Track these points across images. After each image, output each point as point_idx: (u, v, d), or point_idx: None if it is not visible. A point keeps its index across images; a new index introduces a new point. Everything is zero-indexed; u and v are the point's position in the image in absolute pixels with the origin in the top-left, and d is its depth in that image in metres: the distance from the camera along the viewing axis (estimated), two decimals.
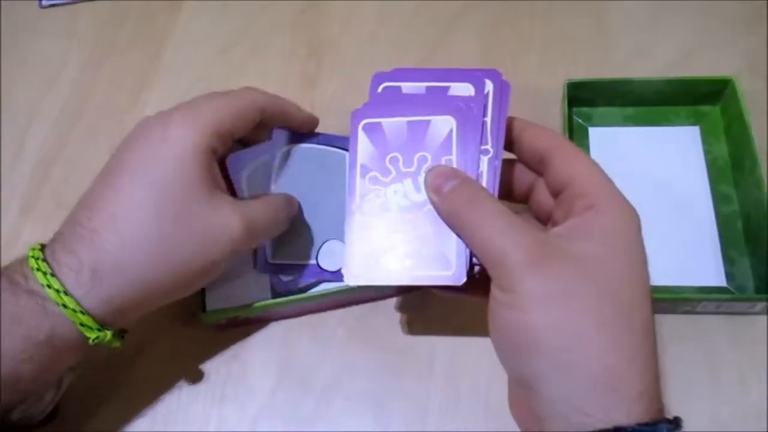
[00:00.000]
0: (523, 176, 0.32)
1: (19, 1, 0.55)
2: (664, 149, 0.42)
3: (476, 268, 0.30)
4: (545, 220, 0.31)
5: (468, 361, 0.37)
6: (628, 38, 0.47)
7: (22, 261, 0.31)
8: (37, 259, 0.30)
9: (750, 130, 0.38)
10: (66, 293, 0.29)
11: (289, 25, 0.51)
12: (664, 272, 0.38)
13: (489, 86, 0.31)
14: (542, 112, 0.44)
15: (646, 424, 0.24)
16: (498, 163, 0.30)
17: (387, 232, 0.30)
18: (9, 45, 0.53)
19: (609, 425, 0.24)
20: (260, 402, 0.37)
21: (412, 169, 0.31)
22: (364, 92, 0.46)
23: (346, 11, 0.51)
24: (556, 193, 0.30)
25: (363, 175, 0.31)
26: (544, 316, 0.25)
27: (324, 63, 0.49)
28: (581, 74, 0.43)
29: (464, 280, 0.29)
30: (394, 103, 0.31)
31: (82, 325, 0.30)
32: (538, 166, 0.31)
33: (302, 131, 0.36)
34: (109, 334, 0.30)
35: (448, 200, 0.29)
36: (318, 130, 0.45)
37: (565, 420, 0.24)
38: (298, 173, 0.36)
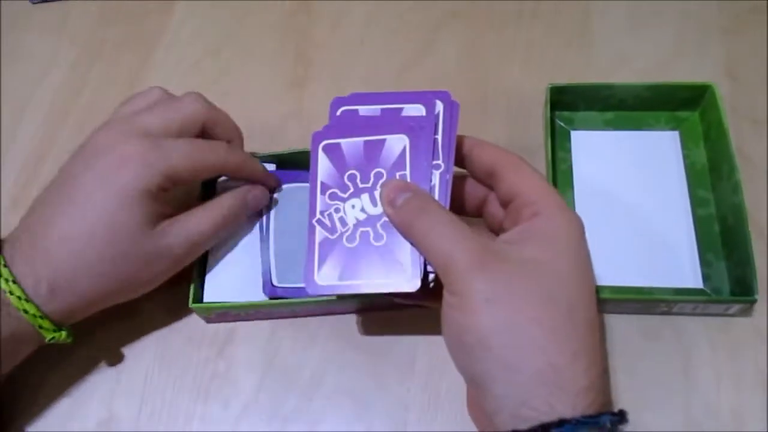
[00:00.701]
0: (474, 191, 0.34)
1: None
2: (644, 153, 0.42)
3: (431, 276, 0.31)
4: (498, 231, 0.33)
5: (448, 360, 0.37)
6: (609, 44, 0.47)
7: None
8: (1, 264, 0.32)
9: (728, 136, 0.39)
10: (27, 300, 0.32)
11: (278, 28, 0.51)
12: (641, 273, 0.38)
13: (439, 106, 0.33)
14: (525, 116, 0.45)
15: (590, 417, 0.25)
16: (449, 177, 0.32)
17: (346, 244, 0.32)
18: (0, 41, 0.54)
19: (554, 418, 0.25)
20: (244, 400, 0.38)
21: (369, 185, 0.33)
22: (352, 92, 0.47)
23: (335, 14, 0.51)
24: (505, 204, 0.32)
25: (323, 192, 0.33)
26: (490, 316, 0.26)
27: (312, 66, 0.49)
28: (564, 79, 0.43)
29: (419, 286, 0.31)
30: (352, 124, 0.34)
31: (40, 327, 0.33)
32: (488, 180, 0.33)
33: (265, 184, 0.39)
34: (63, 333, 0.34)
35: (401, 211, 0.31)
36: (305, 131, 0.46)
37: (511, 415, 0.26)
38: (297, 207, 0.39)
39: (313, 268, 0.32)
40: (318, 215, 0.33)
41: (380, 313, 0.39)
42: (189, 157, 0.35)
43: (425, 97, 0.33)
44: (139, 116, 0.36)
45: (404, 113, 0.34)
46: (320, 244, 0.33)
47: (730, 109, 0.43)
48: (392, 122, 0.33)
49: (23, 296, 0.32)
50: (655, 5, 0.49)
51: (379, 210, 0.32)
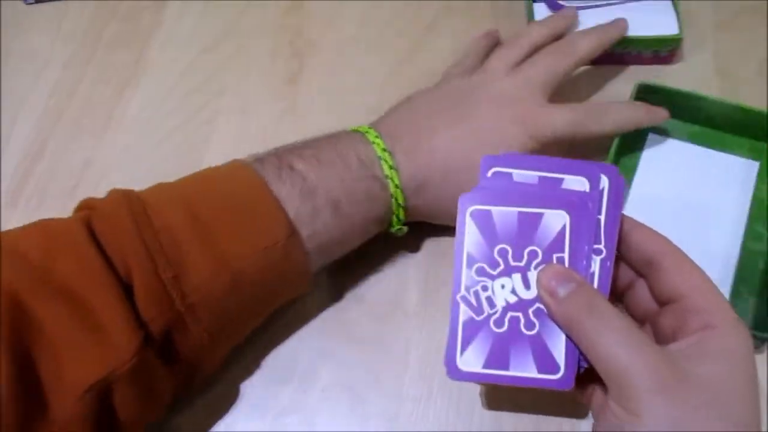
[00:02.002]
0: (622, 274, 0.31)
1: None
2: (715, 175, 0.41)
3: (581, 369, 0.29)
4: (641, 320, 0.31)
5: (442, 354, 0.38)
6: None
7: (356, 138, 0.37)
8: (384, 150, 0.36)
9: None
10: (399, 189, 0.36)
11: (272, 26, 0.52)
12: None
13: (604, 182, 0.30)
14: None
15: None
16: (610, 265, 0.29)
17: (493, 328, 0.30)
18: None
19: None
20: (237, 393, 0.38)
21: (522, 264, 0.30)
22: (345, 93, 0.48)
23: (328, 13, 0.52)
24: (663, 301, 0.29)
25: (469, 265, 0.30)
26: None
27: (306, 63, 0.50)
28: None
29: (572, 386, 0.29)
30: (505, 191, 0.30)
31: (396, 217, 0.37)
32: (643, 269, 0.30)
33: None
34: (405, 229, 0.38)
35: (565, 305, 0.28)
36: (300, 129, 0.46)
37: None
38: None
39: (455, 351, 0.30)
40: (463, 291, 0.30)
41: (375, 307, 0.40)
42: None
43: (589, 169, 0.30)
44: (526, 71, 0.39)
45: (564, 185, 0.30)
46: (464, 323, 0.30)
47: None
48: (551, 195, 0.30)
49: (399, 185, 0.36)
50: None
51: (531, 294, 0.29)
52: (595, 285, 0.29)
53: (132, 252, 0.31)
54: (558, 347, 0.29)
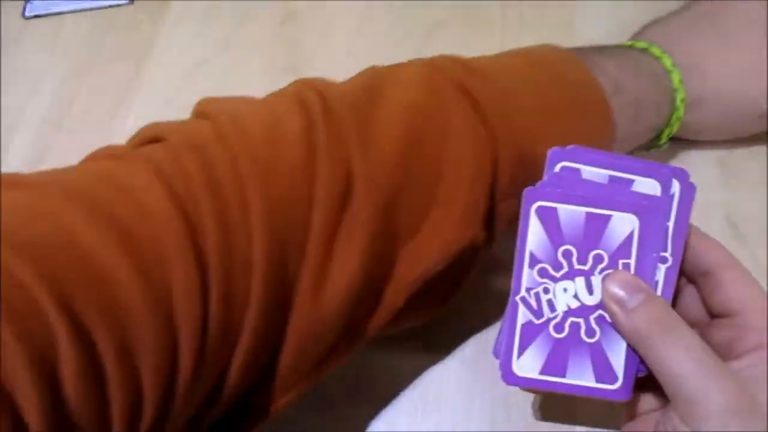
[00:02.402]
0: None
1: (3, 11, 0.56)
2: None
3: (638, 377, 0.28)
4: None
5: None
6: None
7: (642, 53, 0.39)
8: (672, 65, 0.38)
9: None
10: (683, 101, 0.38)
11: (268, 39, 0.52)
12: None
13: (675, 186, 0.28)
14: None
15: None
16: (675, 275, 0.28)
17: (552, 333, 0.28)
18: None
19: None
20: None
21: (586, 268, 0.28)
22: None
23: (323, 26, 0.52)
24: (716, 314, 0.29)
25: (531, 265, 0.29)
26: None
27: (302, 76, 0.50)
28: None
29: (630, 397, 0.28)
30: (573, 188, 0.29)
31: (669, 130, 0.39)
32: (699, 278, 0.29)
33: None
34: (665, 146, 0.40)
35: (634, 318, 0.27)
36: None
37: None
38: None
39: (512, 354, 0.28)
40: (523, 292, 0.29)
41: None
42: None
43: (661, 172, 0.28)
44: None
45: (635, 187, 0.29)
46: (523, 326, 0.28)
47: None
48: (622, 196, 0.28)
49: (684, 99, 0.38)
50: (637, 18, 0.49)
51: (594, 300, 0.28)
52: (659, 293, 0.28)
53: None
54: (618, 357, 0.28)
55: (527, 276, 0.29)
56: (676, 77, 0.38)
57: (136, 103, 0.50)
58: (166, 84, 0.51)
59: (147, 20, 0.54)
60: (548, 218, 0.28)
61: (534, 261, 0.29)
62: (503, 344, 0.29)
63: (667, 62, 0.38)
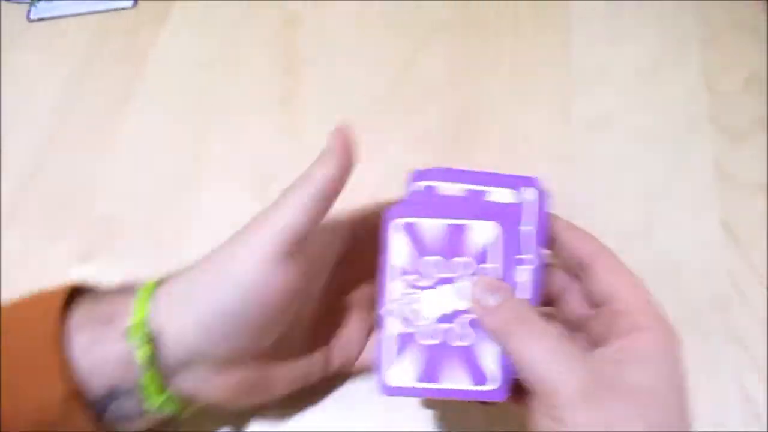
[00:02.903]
0: (557, 279, 0.31)
1: (7, 14, 0.57)
2: None
3: (514, 378, 0.29)
4: (575, 326, 0.31)
5: None
6: (589, 57, 0.48)
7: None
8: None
9: None
10: None
11: (267, 43, 0.53)
12: None
13: (530, 193, 0.30)
14: (512, 131, 0.46)
15: None
16: (540, 274, 0.30)
17: (425, 341, 0.29)
18: None
19: None
20: None
21: (450, 275, 0.30)
22: (340, 107, 0.48)
23: (323, 28, 0.53)
24: (594, 304, 0.29)
25: (398, 278, 0.30)
26: None
27: (302, 79, 0.51)
28: (544, 89, 0.45)
29: (506, 397, 0.29)
30: (432, 203, 0.31)
31: None
32: (575, 270, 0.30)
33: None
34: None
35: (495, 316, 0.28)
36: (296, 144, 0.47)
37: None
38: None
39: (386, 366, 0.29)
40: (391, 304, 0.30)
41: None
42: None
43: (514, 182, 0.31)
44: None
45: (489, 197, 0.30)
46: (394, 337, 0.29)
47: (708, 120, 0.44)
48: (478, 206, 0.30)
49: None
50: (634, 19, 0.50)
51: (461, 306, 0.29)
52: (526, 294, 0.29)
53: None
54: (492, 358, 0.29)
55: (395, 288, 0.30)
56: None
57: (137, 105, 0.50)
58: (167, 87, 0.51)
59: (149, 23, 0.55)
60: (410, 232, 0.30)
61: (399, 273, 0.30)
62: (377, 357, 0.29)
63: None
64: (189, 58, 0.53)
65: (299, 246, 0.29)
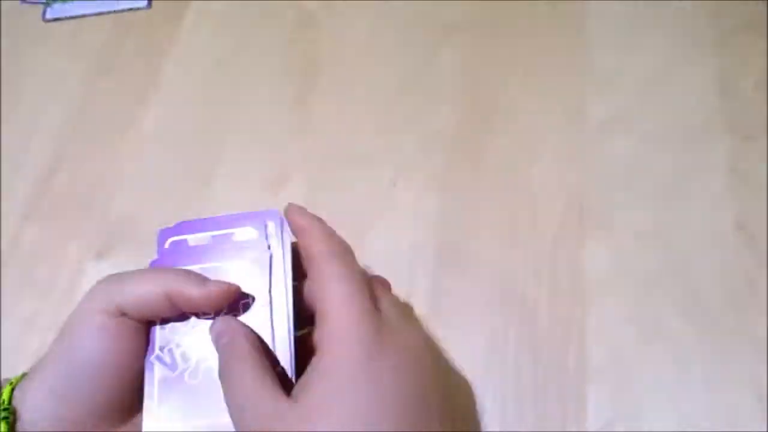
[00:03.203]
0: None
1: (24, 15, 0.58)
2: None
3: None
4: None
5: None
6: (605, 57, 0.49)
7: None
8: None
9: None
10: None
11: (283, 42, 0.53)
12: None
13: (270, 226, 0.32)
14: (523, 130, 0.46)
15: None
16: (289, 296, 0.31)
17: (188, 381, 0.30)
18: (13, 57, 0.55)
19: None
20: None
21: (210, 316, 0.31)
22: (355, 107, 0.49)
23: (338, 28, 0.53)
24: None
25: (162, 324, 0.31)
26: None
27: (316, 80, 0.51)
28: (561, 89, 0.45)
29: None
30: (182, 256, 0.32)
31: None
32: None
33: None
34: None
35: (220, 353, 0.30)
36: (309, 144, 0.48)
37: None
38: None
39: (151, 410, 0.30)
40: (157, 351, 0.31)
41: None
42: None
43: (254, 218, 0.33)
44: None
45: (235, 237, 0.33)
46: (160, 383, 0.30)
47: (721, 121, 0.44)
48: (225, 249, 0.32)
49: None
50: (648, 20, 0.50)
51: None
52: (277, 318, 0.31)
53: None
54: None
55: (159, 336, 0.31)
56: None
57: (155, 103, 0.51)
58: (184, 84, 0.52)
59: (164, 23, 0.55)
60: None
61: (163, 321, 0.31)
62: (145, 408, 0.30)
63: None
64: (205, 58, 0.53)
65: (135, 316, 0.31)
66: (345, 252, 0.31)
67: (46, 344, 0.37)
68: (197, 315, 0.31)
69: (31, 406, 0.31)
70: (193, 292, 0.30)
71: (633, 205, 0.42)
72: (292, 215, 0.32)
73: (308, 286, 0.31)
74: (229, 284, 0.31)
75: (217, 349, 0.30)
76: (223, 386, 0.29)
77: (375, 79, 0.51)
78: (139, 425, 0.31)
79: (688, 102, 0.46)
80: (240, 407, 0.28)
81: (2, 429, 0.30)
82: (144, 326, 0.32)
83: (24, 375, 0.32)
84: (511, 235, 0.42)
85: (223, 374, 0.29)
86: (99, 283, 0.32)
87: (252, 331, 0.30)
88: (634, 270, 0.40)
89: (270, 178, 0.46)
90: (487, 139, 0.46)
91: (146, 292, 0.31)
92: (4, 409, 0.30)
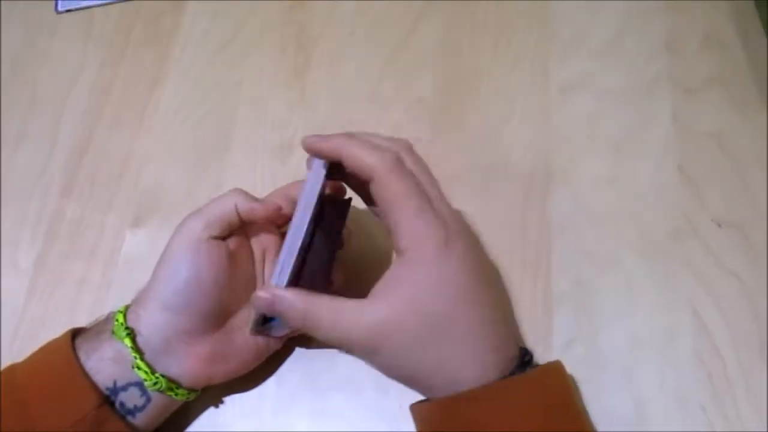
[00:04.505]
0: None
1: (37, 8, 0.63)
2: None
3: None
4: None
5: None
6: (567, 24, 0.54)
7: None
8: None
9: None
10: None
11: (278, 23, 0.58)
12: None
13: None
14: (494, 93, 0.52)
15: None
16: (306, 219, 0.38)
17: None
18: (31, 48, 0.61)
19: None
20: None
21: None
22: (347, 81, 0.55)
23: (328, 9, 0.58)
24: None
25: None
26: None
27: (311, 56, 0.57)
28: (529, 54, 0.52)
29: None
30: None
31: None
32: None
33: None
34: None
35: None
36: (309, 115, 0.54)
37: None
38: None
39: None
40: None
41: None
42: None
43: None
44: None
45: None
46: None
47: (668, 78, 0.50)
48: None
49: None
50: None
51: None
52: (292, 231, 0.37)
53: None
54: None
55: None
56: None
57: (167, 86, 0.57)
58: (193, 65, 0.57)
59: (169, 9, 0.60)
60: None
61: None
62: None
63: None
64: (208, 41, 0.59)
65: (217, 232, 0.39)
66: (394, 162, 0.36)
67: (99, 300, 0.45)
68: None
69: (147, 323, 0.39)
70: (254, 206, 0.40)
71: (591, 156, 0.49)
72: (315, 144, 0.39)
73: (378, 196, 0.36)
74: (275, 204, 0.40)
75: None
76: (310, 333, 0.37)
77: (363, 53, 0.56)
78: (233, 327, 0.41)
79: (640, 62, 0.52)
80: (338, 339, 0.36)
81: (127, 343, 0.38)
82: (224, 243, 0.40)
83: (127, 307, 0.40)
84: (488, 186, 0.49)
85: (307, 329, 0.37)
86: (185, 218, 0.40)
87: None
88: (592, 212, 0.47)
89: (276, 145, 0.53)
90: (464, 102, 0.52)
91: (221, 211, 0.39)
92: (126, 327, 0.38)
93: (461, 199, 0.48)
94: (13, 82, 0.59)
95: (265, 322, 0.41)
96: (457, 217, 0.37)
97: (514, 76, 0.53)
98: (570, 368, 0.41)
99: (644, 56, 0.52)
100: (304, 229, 0.37)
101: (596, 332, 0.43)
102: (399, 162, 0.36)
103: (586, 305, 0.44)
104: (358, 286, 0.38)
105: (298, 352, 0.45)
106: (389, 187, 0.35)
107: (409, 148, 0.38)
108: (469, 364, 0.34)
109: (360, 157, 0.36)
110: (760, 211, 0.45)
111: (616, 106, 0.51)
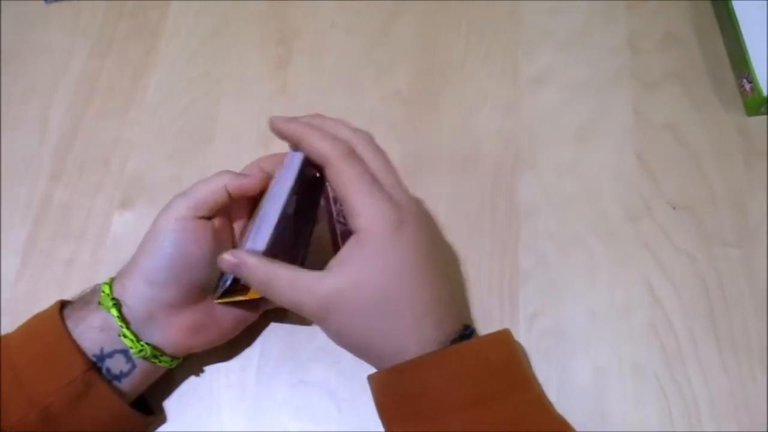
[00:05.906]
0: None
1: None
2: None
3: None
4: None
5: None
6: (534, 20, 0.57)
7: None
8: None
9: None
10: None
11: (260, 16, 0.61)
12: None
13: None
14: (467, 85, 0.55)
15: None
16: (282, 198, 0.39)
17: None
18: (21, 39, 0.62)
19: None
20: None
21: None
22: (327, 72, 0.57)
23: (309, 4, 0.61)
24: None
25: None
26: None
27: (293, 48, 0.59)
28: (499, 49, 0.55)
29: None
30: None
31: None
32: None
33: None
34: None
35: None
36: (290, 104, 0.56)
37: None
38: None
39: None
40: None
41: None
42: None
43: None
44: None
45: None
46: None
47: (630, 73, 0.54)
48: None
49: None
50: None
51: None
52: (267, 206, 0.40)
53: None
54: None
55: None
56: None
57: (153, 77, 0.59)
58: (177, 60, 0.60)
59: (155, 3, 0.62)
60: None
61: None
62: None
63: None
64: (193, 33, 0.61)
65: (204, 212, 0.42)
66: (346, 151, 0.38)
67: (87, 281, 0.47)
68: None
69: (132, 294, 0.41)
70: (245, 180, 0.42)
71: (556, 144, 0.52)
72: (278, 125, 0.40)
73: (332, 181, 0.38)
74: (263, 174, 0.42)
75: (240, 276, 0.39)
76: (269, 297, 0.39)
77: (342, 46, 0.59)
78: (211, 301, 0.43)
79: (603, 57, 0.55)
80: (293, 304, 0.38)
81: (114, 313, 0.40)
82: (209, 223, 0.42)
83: (112, 279, 0.42)
84: (460, 173, 0.52)
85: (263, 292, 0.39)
86: (172, 199, 0.42)
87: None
88: (556, 196, 0.50)
89: (260, 133, 0.55)
90: (438, 93, 0.55)
91: (209, 191, 0.42)
92: (112, 298, 0.41)
93: (434, 184, 0.51)
94: (4, 71, 0.61)
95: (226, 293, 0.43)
96: (413, 202, 0.40)
97: (485, 69, 0.56)
98: (534, 340, 0.44)
99: (607, 52, 0.55)
100: (283, 200, 0.39)
101: (559, 307, 0.47)
102: (351, 151, 0.38)
103: (550, 282, 0.47)
104: (322, 259, 0.40)
105: (279, 325, 0.48)
106: (342, 171, 0.37)
107: (369, 139, 0.41)
108: (411, 336, 0.37)
109: (314, 145, 0.38)
110: (711, 195, 0.49)
111: (580, 99, 0.54)
